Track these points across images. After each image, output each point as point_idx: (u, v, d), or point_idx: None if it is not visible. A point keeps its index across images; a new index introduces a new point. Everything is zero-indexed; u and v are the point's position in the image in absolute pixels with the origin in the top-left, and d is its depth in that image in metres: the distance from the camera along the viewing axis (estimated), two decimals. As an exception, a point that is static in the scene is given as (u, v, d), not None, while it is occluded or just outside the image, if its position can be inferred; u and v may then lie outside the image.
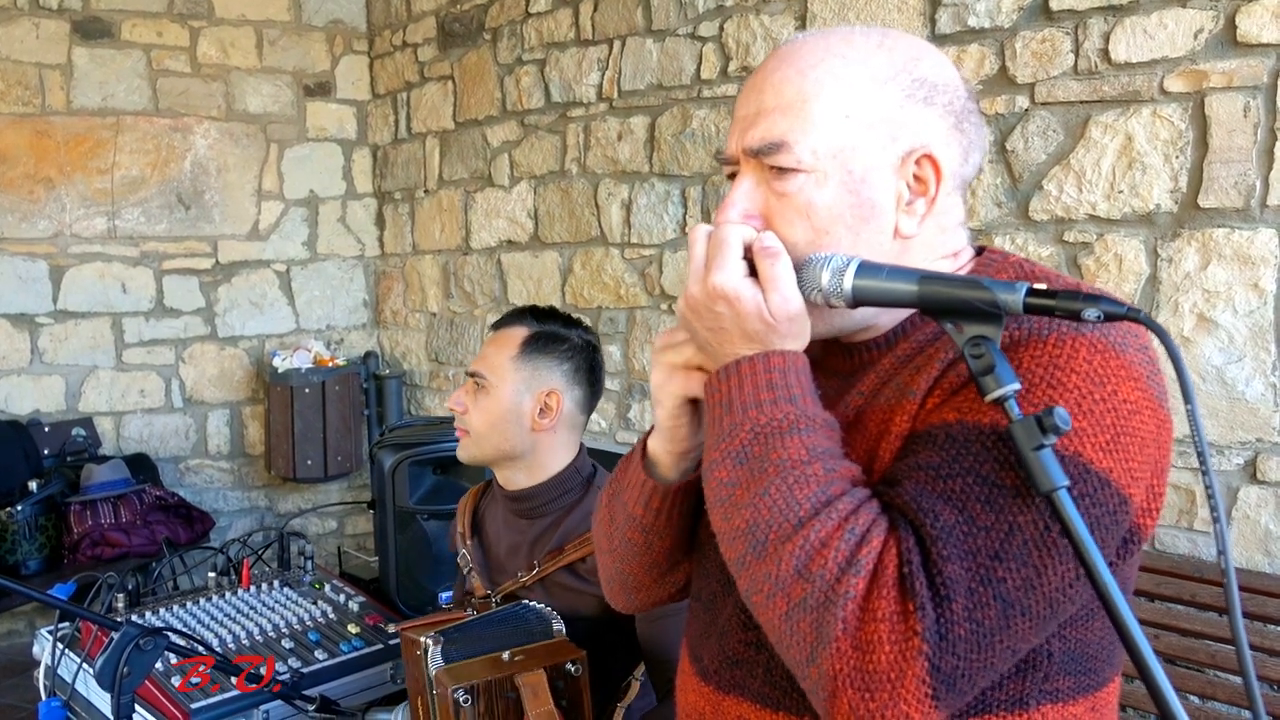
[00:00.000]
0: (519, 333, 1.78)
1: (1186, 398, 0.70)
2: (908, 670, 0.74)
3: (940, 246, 0.94)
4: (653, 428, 1.04)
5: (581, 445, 1.84)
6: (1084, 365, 0.79)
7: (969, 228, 1.01)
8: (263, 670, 1.78)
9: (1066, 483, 0.73)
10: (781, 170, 0.90)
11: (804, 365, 0.87)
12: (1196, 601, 2.20)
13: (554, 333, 1.79)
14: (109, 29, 4.39)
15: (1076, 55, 2.45)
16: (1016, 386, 0.75)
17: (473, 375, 1.77)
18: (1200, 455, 0.69)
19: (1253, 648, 2.10)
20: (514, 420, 1.74)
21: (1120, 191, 2.40)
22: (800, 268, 0.87)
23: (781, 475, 0.81)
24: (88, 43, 4.36)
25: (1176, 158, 2.31)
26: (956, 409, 0.82)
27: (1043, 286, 0.76)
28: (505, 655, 1.45)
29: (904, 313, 0.94)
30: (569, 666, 1.45)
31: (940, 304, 0.79)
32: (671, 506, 1.01)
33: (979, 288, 0.77)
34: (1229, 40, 2.21)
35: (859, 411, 0.91)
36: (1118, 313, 0.73)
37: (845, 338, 0.96)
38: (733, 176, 0.96)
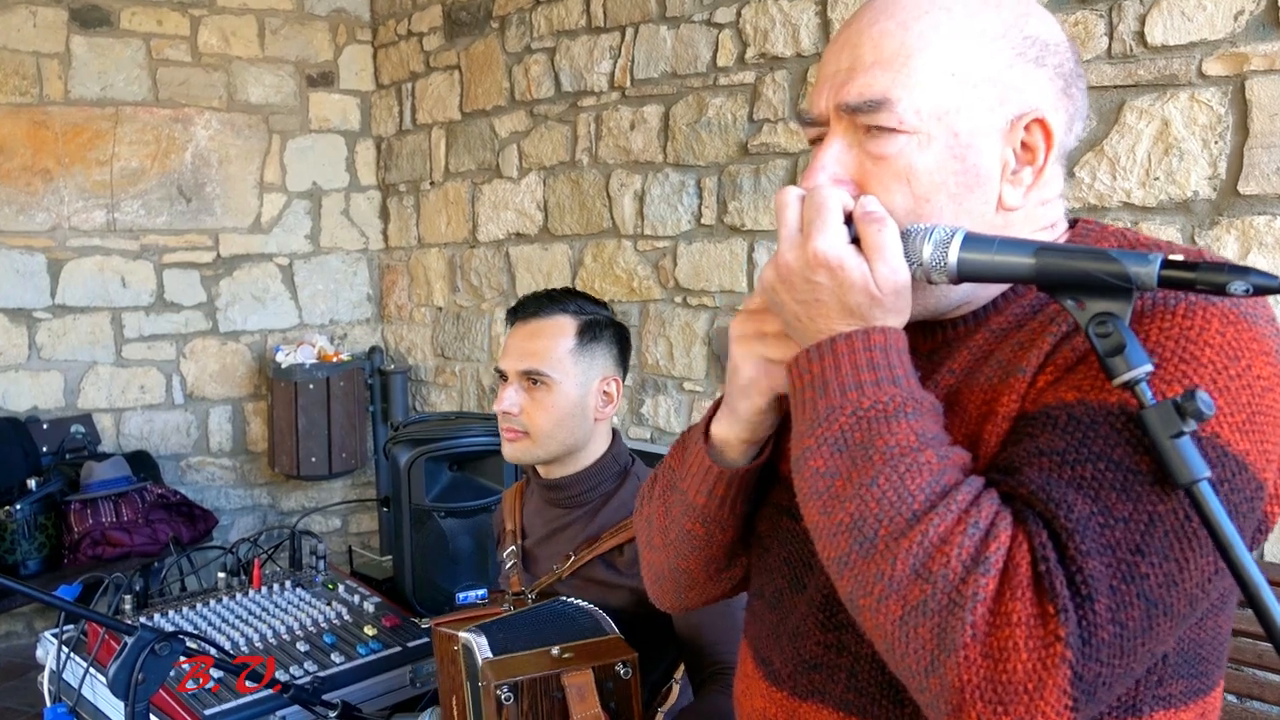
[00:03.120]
0: (567, 322, 1.72)
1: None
2: (1048, 680, 0.66)
3: (1040, 219, 0.87)
4: (712, 412, 0.96)
5: (615, 431, 1.80)
6: (1217, 338, 0.72)
7: None
8: (262, 670, 1.71)
9: (1209, 474, 0.66)
10: (880, 131, 0.82)
11: (905, 344, 0.80)
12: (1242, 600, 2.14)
13: (599, 318, 1.76)
14: (107, 17, 4.30)
15: (1110, 38, 2.39)
16: (1149, 368, 0.68)
17: (529, 374, 1.70)
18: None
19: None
20: (580, 414, 1.71)
21: (1156, 178, 2.34)
22: None
23: (890, 464, 0.73)
24: (86, 31, 4.27)
25: (1215, 143, 2.24)
26: (1076, 387, 0.75)
27: (1180, 258, 0.68)
28: (555, 650, 1.38)
29: (998, 289, 0.87)
30: (619, 668, 1.38)
31: (1061, 278, 0.72)
32: (736, 495, 0.94)
33: (1107, 260, 0.69)
34: (1271, 21, 2.15)
35: (951, 391, 0.83)
36: (1271, 285, 0.65)
37: (935, 318, 0.89)
38: (815, 142, 0.88)
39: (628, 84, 3.55)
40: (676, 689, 1.60)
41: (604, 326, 1.76)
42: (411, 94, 4.60)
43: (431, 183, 4.52)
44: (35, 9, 4.18)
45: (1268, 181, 2.17)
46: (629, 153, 3.57)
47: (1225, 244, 2.23)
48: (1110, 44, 2.39)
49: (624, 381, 1.80)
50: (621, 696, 1.37)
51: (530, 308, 1.76)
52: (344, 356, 4.56)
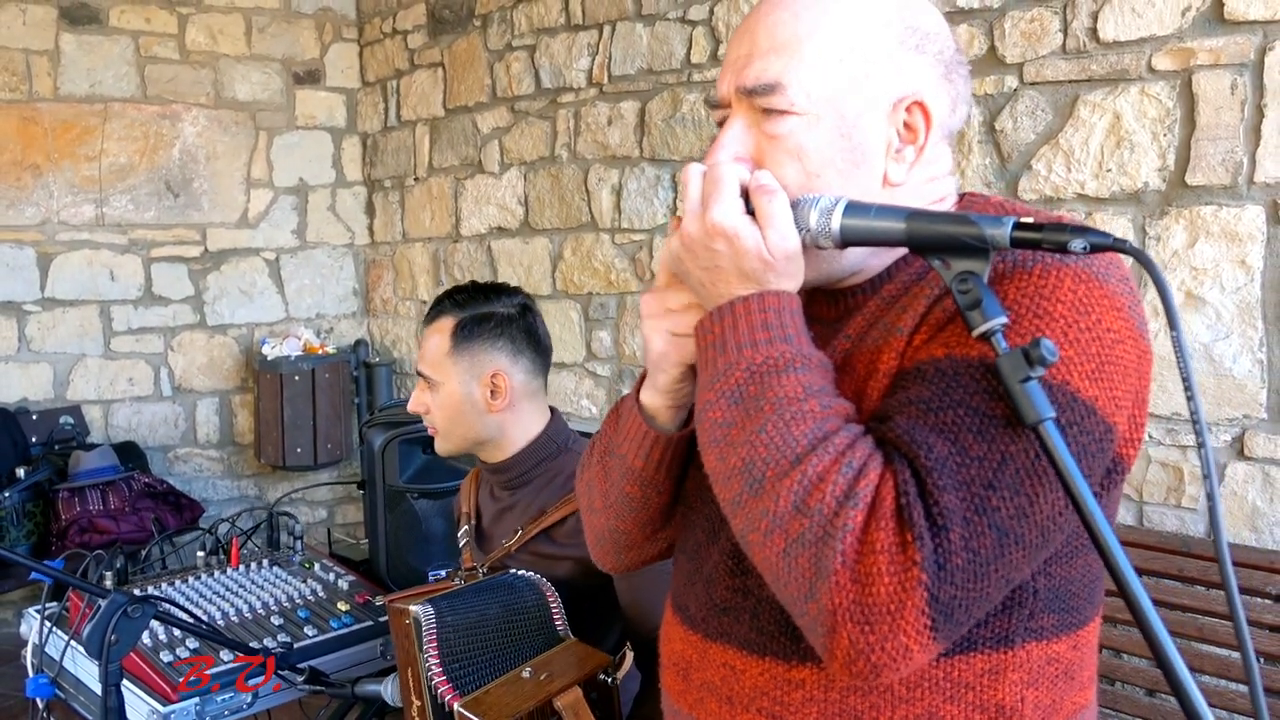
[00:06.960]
0: (446, 324, 1.75)
1: (1172, 324, 0.70)
2: (907, 601, 0.74)
3: (928, 195, 0.94)
4: (641, 381, 1.03)
5: (554, 411, 1.84)
6: (1069, 295, 0.80)
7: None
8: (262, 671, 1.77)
9: (1053, 414, 0.73)
10: (773, 112, 0.90)
11: (798, 306, 0.87)
12: (1184, 576, 2.21)
13: (479, 313, 1.76)
14: (97, 15, 4.37)
15: (1065, 34, 2.46)
16: (1003, 320, 0.76)
17: (421, 375, 1.77)
18: (1185, 380, 0.70)
19: (1240, 621, 2.11)
20: (470, 410, 1.74)
21: (1109, 170, 2.41)
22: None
23: (778, 412, 0.80)
24: (75, 29, 4.34)
25: (1164, 136, 2.32)
26: (945, 344, 0.82)
27: (1029, 220, 0.76)
28: (526, 673, 1.40)
29: (891, 258, 0.94)
30: (602, 676, 1.42)
31: (928, 241, 0.79)
32: (671, 459, 1.01)
33: (966, 223, 0.77)
34: (1216, 18, 2.22)
35: (846, 355, 0.91)
36: (1104, 243, 0.73)
37: (830, 285, 0.96)
38: (721, 124, 0.96)
39: (605, 80, 3.62)
40: (630, 656, 1.66)
41: (483, 321, 1.75)
42: (396, 91, 4.67)
43: (416, 178, 4.59)
44: (25, 6, 4.25)
45: (1214, 173, 2.24)
46: (606, 148, 3.64)
47: (1174, 233, 2.30)
48: (1065, 40, 2.46)
49: (516, 370, 1.75)
50: (604, 699, 1.41)
51: (431, 310, 1.81)
52: (329, 349, 4.63)
